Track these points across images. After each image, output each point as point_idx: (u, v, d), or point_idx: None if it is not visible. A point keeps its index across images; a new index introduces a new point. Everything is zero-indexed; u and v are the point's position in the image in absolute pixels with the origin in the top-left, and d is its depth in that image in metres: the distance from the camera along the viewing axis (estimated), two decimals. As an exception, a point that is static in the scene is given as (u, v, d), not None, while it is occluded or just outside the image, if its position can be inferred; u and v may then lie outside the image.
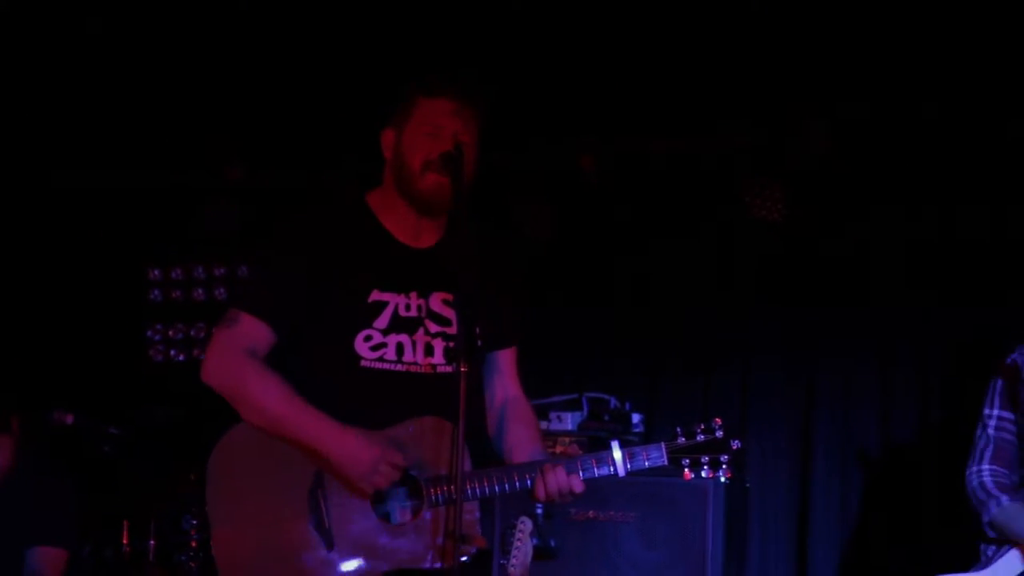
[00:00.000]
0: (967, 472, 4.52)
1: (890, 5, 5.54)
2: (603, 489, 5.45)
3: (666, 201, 6.34)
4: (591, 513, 5.53)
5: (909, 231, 5.88)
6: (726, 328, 6.26)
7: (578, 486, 3.58)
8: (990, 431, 4.51)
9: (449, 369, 3.63)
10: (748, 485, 5.94)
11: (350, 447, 3.51)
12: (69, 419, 5.39)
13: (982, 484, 4.46)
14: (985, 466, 4.48)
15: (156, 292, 7.20)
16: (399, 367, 3.65)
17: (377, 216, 3.75)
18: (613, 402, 6.09)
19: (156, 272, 7.19)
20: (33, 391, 5.60)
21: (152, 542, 5.72)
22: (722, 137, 6.17)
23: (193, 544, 5.70)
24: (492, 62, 5.88)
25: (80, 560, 5.52)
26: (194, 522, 5.69)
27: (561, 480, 3.56)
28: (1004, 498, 4.40)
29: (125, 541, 5.74)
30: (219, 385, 3.63)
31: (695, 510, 5.46)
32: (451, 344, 3.61)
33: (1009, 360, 4.53)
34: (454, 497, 3.39)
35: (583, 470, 3.59)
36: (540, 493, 3.57)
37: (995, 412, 4.51)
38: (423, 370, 3.67)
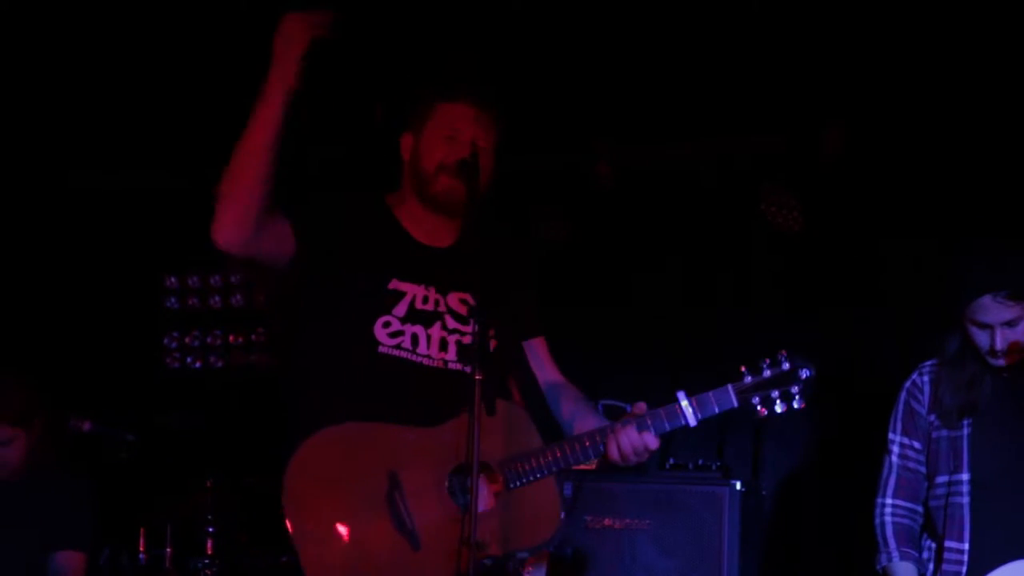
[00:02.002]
0: (874, 503, 4.35)
1: (904, 11, 5.54)
2: (618, 497, 5.47)
3: (682, 207, 6.35)
4: (607, 521, 5.53)
5: (927, 234, 5.87)
6: (743, 334, 6.26)
7: (652, 442, 3.55)
8: (894, 458, 4.32)
9: (459, 367, 3.65)
10: (764, 492, 5.94)
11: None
12: (86, 426, 5.40)
13: (883, 526, 4.30)
14: (888, 500, 4.31)
15: (173, 299, 7.22)
16: (414, 358, 3.66)
17: (396, 214, 3.77)
18: (628, 409, 6.07)
19: (173, 279, 7.21)
20: (51, 398, 5.62)
21: (168, 549, 5.72)
22: (738, 143, 6.17)
23: (209, 551, 5.71)
24: (509, 67, 5.89)
25: (97, 567, 5.54)
26: (210, 529, 5.69)
27: (634, 438, 3.53)
28: (896, 555, 4.25)
29: (142, 548, 5.74)
30: (220, 197, 3.56)
31: (711, 517, 5.47)
32: (466, 340, 3.63)
33: (908, 382, 4.35)
34: (532, 474, 3.46)
35: (655, 426, 3.56)
36: (614, 454, 3.54)
37: (898, 438, 4.33)
38: (435, 364, 3.68)
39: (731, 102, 6.07)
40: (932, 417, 4.28)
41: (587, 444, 3.58)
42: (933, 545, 4.30)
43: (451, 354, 3.68)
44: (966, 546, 4.17)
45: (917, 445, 4.32)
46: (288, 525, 3.56)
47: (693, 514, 5.48)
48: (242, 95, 6.49)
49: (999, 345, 4.07)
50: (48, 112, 6.56)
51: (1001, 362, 4.12)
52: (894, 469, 4.34)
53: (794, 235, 6.07)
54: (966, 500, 4.18)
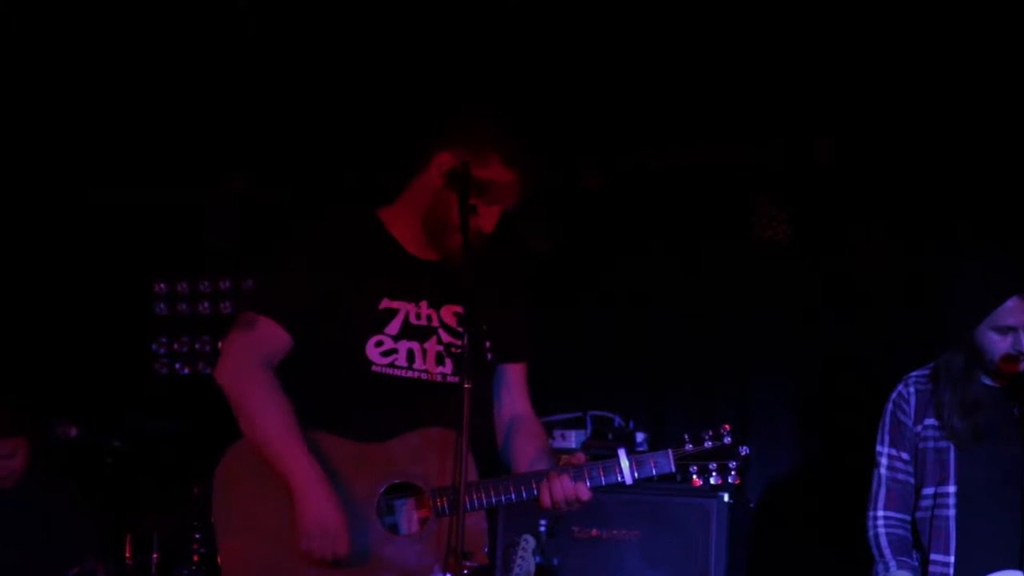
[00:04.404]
0: (866, 516, 4.36)
1: (890, 23, 5.56)
2: (606, 507, 5.45)
3: (669, 218, 6.35)
4: (594, 531, 5.52)
5: (913, 249, 5.89)
6: (729, 346, 6.26)
7: (584, 493, 3.55)
8: (882, 471, 4.34)
9: (457, 380, 3.64)
10: (751, 504, 5.94)
11: (317, 502, 3.49)
12: (73, 432, 5.40)
13: (876, 537, 4.31)
14: (880, 512, 4.33)
15: (161, 305, 7.20)
16: (410, 374, 3.65)
17: (388, 229, 3.74)
18: (617, 420, 6.09)
19: (161, 285, 7.20)
20: (38, 403, 5.61)
21: (155, 555, 5.71)
22: (726, 154, 6.18)
23: (196, 557, 5.70)
24: (497, 78, 5.89)
25: (83, 573, 5.54)
26: (197, 536, 5.69)
27: (567, 487, 3.53)
28: (892, 564, 4.26)
29: (128, 554, 5.74)
30: (228, 389, 3.62)
31: (698, 528, 5.45)
32: (456, 351, 3.62)
33: (895, 394, 4.37)
34: (462, 508, 3.37)
35: (590, 478, 3.56)
36: (546, 501, 3.55)
37: (886, 450, 4.34)
38: (433, 378, 3.67)
39: (720, 114, 6.07)
40: (919, 428, 4.29)
41: (521, 488, 3.57)
42: (918, 557, 4.31)
43: (448, 368, 3.68)
44: (952, 559, 4.18)
45: (905, 456, 4.33)
46: (212, 515, 3.63)
47: (681, 526, 5.46)
48: (228, 107, 6.54)
49: None
50: (41, 122, 6.55)
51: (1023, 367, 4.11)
52: (883, 481, 4.35)
53: (782, 245, 6.08)
54: (952, 512, 4.20)
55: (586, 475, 3.56)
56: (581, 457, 3.63)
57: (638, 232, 6.41)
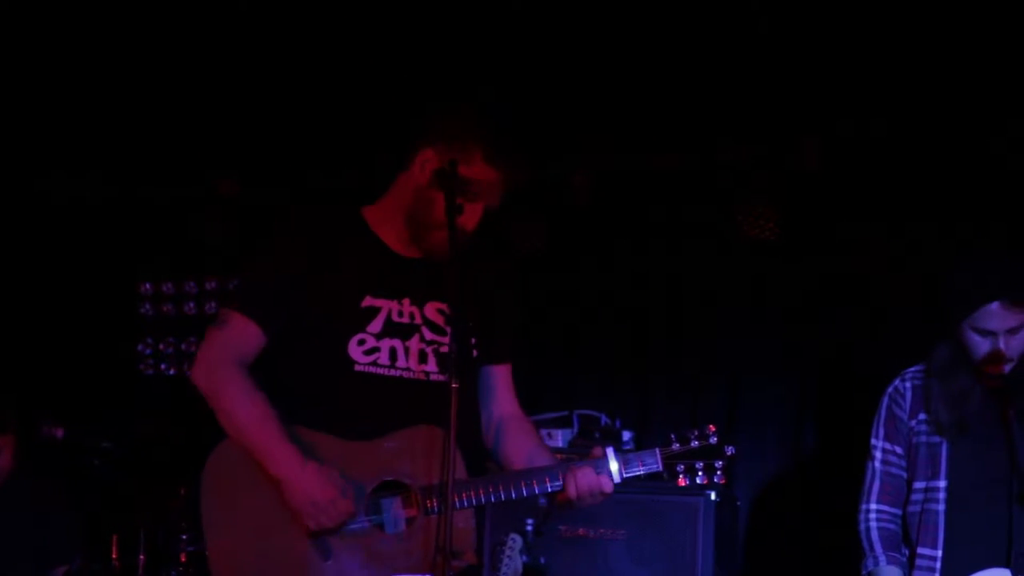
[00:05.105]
0: (858, 509, 4.37)
1: (877, 20, 5.57)
2: (593, 506, 5.45)
3: (656, 217, 6.35)
4: (581, 530, 5.52)
5: (901, 248, 5.89)
6: (717, 346, 6.27)
7: (608, 486, 3.58)
8: (876, 464, 4.36)
9: (442, 377, 3.64)
10: (739, 503, 5.94)
11: (301, 480, 3.50)
12: (59, 433, 5.39)
13: (868, 531, 4.33)
14: (873, 506, 4.34)
15: (147, 306, 7.20)
16: (392, 372, 3.65)
17: (371, 226, 3.74)
18: (604, 419, 6.09)
19: (147, 286, 7.19)
20: (23, 404, 5.59)
21: (141, 556, 5.70)
22: (715, 154, 6.19)
23: (183, 558, 5.69)
24: (488, 76, 5.89)
25: (70, 573, 5.53)
26: (184, 536, 5.68)
27: (591, 479, 3.56)
28: (882, 558, 4.28)
29: (114, 555, 5.73)
30: (203, 387, 3.63)
31: (685, 527, 5.46)
32: (444, 350, 3.63)
33: (891, 388, 4.38)
34: (450, 506, 3.37)
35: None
36: (572, 492, 3.56)
37: (880, 444, 4.36)
38: (416, 376, 3.67)
39: (708, 114, 6.08)
40: (913, 423, 4.31)
41: (536, 482, 3.58)
42: (907, 551, 4.32)
43: (431, 365, 3.68)
44: (939, 553, 4.20)
45: (899, 450, 4.34)
46: (201, 515, 3.63)
47: (668, 524, 5.47)
48: (215, 106, 6.53)
49: (1008, 352, 4.09)
50: (29, 120, 6.54)
51: (1006, 369, 4.13)
52: (877, 475, 4.36)
53: (769, 243, 6.09)
54: (942, 507, 4.21)
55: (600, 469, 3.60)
56: (599, 451, 3.65)
57: (625, 231, 6.41)
